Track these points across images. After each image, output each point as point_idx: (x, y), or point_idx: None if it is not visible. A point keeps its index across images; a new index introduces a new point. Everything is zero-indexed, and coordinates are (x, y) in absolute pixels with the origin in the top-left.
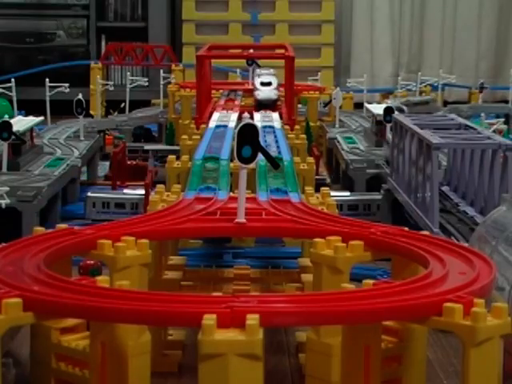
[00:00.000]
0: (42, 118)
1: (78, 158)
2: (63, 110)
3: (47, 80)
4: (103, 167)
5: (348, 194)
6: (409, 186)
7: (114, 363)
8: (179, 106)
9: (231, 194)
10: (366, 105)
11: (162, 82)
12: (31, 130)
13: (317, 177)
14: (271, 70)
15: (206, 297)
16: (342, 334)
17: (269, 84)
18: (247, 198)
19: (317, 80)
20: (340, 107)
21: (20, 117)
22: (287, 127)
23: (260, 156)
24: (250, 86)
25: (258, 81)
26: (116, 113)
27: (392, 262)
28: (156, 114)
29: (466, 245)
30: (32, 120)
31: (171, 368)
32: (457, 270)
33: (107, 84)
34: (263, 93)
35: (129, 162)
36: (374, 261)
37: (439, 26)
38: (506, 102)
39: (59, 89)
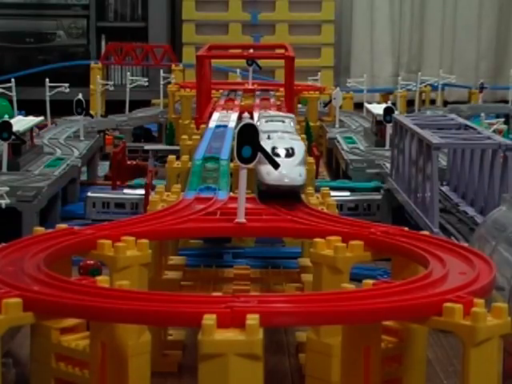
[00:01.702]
0: (41, 117)
1: (78, 158)
2: (63, 109)
3: (47, 80)
4: (103, 167)
5: (348, 194)
6: (409, 186)
7: (114, 363)
8: (179, 106)
9: (231, 194)
10: (366, 105)
11: (161, 82)
12: (31, 129)
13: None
14: (288, 121)
15: (206, 297)
16: (342, 334)
17: (290, 154)
18: (247, 198)
19: (317, 80)
20: (340, 107)
21: (20, 117)
22: None
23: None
24: (250, 86)
25: (267, 144)
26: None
27: (392, 262)
28: (156, 114)
29: (465, 245)
30: (32, 120)
31: (171, 368)
32: (457, 270)
33: (107, 84)
34: (278, 170)
35: (129, 162)
36: (373, 261)
37: (439, 26)
38: (506, 101)
39: (59, 89)
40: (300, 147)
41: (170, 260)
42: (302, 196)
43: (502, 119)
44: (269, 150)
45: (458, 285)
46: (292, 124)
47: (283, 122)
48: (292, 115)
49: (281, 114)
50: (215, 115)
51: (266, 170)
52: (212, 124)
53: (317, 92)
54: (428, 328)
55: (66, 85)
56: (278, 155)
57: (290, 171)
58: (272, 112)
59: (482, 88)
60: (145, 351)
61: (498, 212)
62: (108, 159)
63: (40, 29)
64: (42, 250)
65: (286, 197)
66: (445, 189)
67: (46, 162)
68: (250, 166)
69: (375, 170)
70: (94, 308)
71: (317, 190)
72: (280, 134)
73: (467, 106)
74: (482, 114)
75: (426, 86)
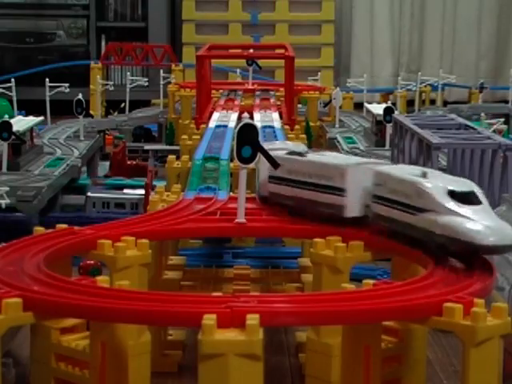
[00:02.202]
0: (41, 117)
1: (78, 158)
2: (63, 110)
3: (47, 80)
4: (103, 167)
5: None
6: None
7: (114, 363)
8: (179, 106)
9: (231, 193)
10: (366, 105)
11: (161, 82)
12: (31, 129)
13: None
14: None
15: (206, 297)
16: (342, 334)
17: (476, 199)
18: (247, 198)
19: (317, 80)
20: (340, 107)
21: (20, 117)
22: (287, 127)
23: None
24: (250, 86)
25: (439, 188)
26: (116, 113)
27: (392, 262)
28: (156, 114)
29: None
30: (32, 120)
31: (171, 368)
32: (457, 270)
33: (107, 84)
34: (495, 228)
35: (129, 162)
36: (374, 261)
37: (439, 26)
38: (506, 102)
39: (59, 89)
40: (476, 187)
41: (170, 260)
42: None
43: (502, 119)
44: (443, 193)
45: (458, 285)
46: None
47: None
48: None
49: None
50: (215, 115)
51: (474, 225)
52: (212, 124)
53: (317, 92)
54: (428, 328)
55: (66, 85)
56: (465, 201)
57: (501, 224)
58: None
59: (481, 88)
60: (145, 351)
61: (498, 212)
62: (108, 159)
63: (40, 29)
64: (42, 250)
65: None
66: None
67: (46, 162)
68: (250, 166)
69: None
70: (94, 308)
71: None
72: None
73: (467, 106)
74: (482, 114)
75: (426, 86)
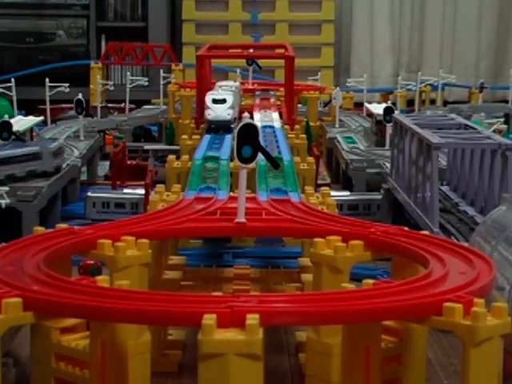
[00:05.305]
0: (41, 117)
1: (78, 158)
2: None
3: (47, 80)
4: (103, 167)
5: (348, 193)
6: (409, 186)
7: (114, 363)
8: (179, 106)
9: (231, 193)
10: (366, 105)
11: (161, 82)
12: (31, 129)
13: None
14: (234, 85)
15: (206, 297)
16: (342, 334)
17: (222, 101)
18: (247, 198)
19: (317, 80)
20: (340, 107)
21: (20, 117)
22: (287, 127)
23: (260, 156)
24: (250, 86)
25: (209, 97)
26: (116, 113)
27: (392, 262)
28: (156, 114)
29: (465, 245)
30: (32, 120)
31: (171, 368)
32: (457, 270)
33: (107, 84)
34: (214, 112)
35: (129, 162)
36: (374, 261)
37: (439, 26)
38: (506, 101)
39: (59, 89)
40: (231, 98)
41: (170, 260)
42: (302, 196)
43: (502, 119)
44: (210, 99)
45: (457, 285)
46: (234, 87)
47: (230, 83)
48: (237, 84)
49: (232, 83)
50: None
51: (208, 112)
52: None
53: (317, 92)
54: (428, 328)
55: (66, 85)
56: (215, 102)
57: (222, 112)
58: (226, 82)
59: (481, 88)
60: (145, 351)
61: (498, 212)
62: (108, 159)
63: (40, 29)
64: (42, 250)
65: (222, 129)
66: (445, 189)
67: None
68: (250, 166)
69: (375, 170)
70: (94, 308)
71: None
72: (222, 90)
73: (467, 106)
74: (482, 114)
75: (425, 86)
